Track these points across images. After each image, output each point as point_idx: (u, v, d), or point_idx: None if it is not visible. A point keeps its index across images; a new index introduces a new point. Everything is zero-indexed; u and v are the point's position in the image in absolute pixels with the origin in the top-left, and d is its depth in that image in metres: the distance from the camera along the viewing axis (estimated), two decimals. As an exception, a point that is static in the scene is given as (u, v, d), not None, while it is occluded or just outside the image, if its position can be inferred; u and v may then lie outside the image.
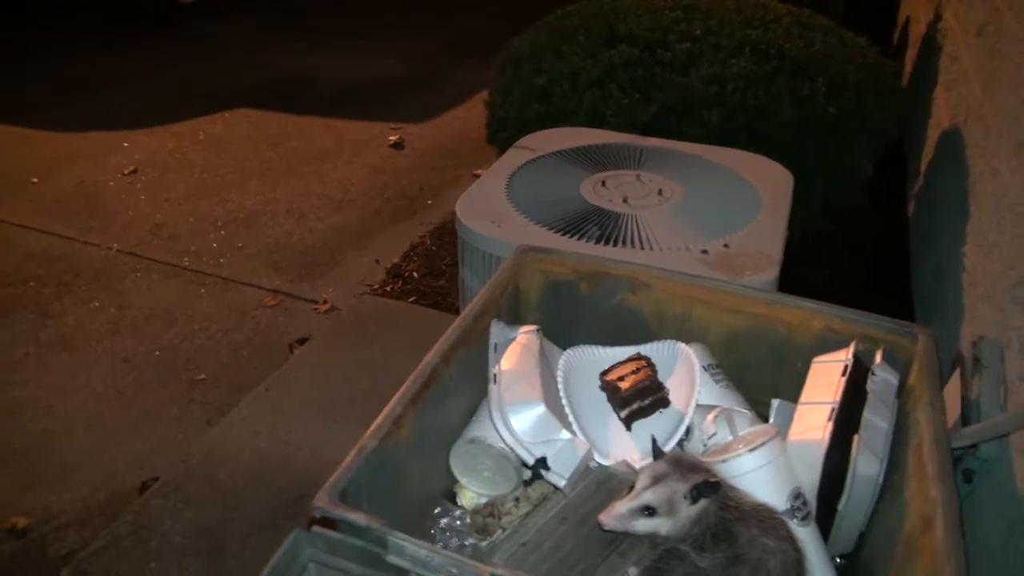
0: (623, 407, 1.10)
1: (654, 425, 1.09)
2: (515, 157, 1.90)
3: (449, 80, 4.65)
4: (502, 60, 2.85)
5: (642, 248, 1.51)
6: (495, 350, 1.12)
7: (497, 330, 1.15)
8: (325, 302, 2.62)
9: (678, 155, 1.95)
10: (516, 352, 1.11)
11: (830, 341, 1.15)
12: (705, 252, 1.46)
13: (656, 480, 0.89)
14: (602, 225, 1.58)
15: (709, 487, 0.87)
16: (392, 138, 3.87)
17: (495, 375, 1.06)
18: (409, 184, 3.48)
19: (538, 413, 1.03)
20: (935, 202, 2.51)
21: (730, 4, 2.70)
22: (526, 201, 1.67)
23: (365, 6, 6.10)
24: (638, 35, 2.52)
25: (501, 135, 2.65)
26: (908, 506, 0.90)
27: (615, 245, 1.51)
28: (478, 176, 3.60)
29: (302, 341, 2.43)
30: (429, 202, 3.31)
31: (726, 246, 1.48)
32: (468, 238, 1.59)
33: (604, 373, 1.15)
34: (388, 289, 2.68)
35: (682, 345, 1.17)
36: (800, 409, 1.04)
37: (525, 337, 1.15)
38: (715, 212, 1.66)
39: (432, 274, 2.75)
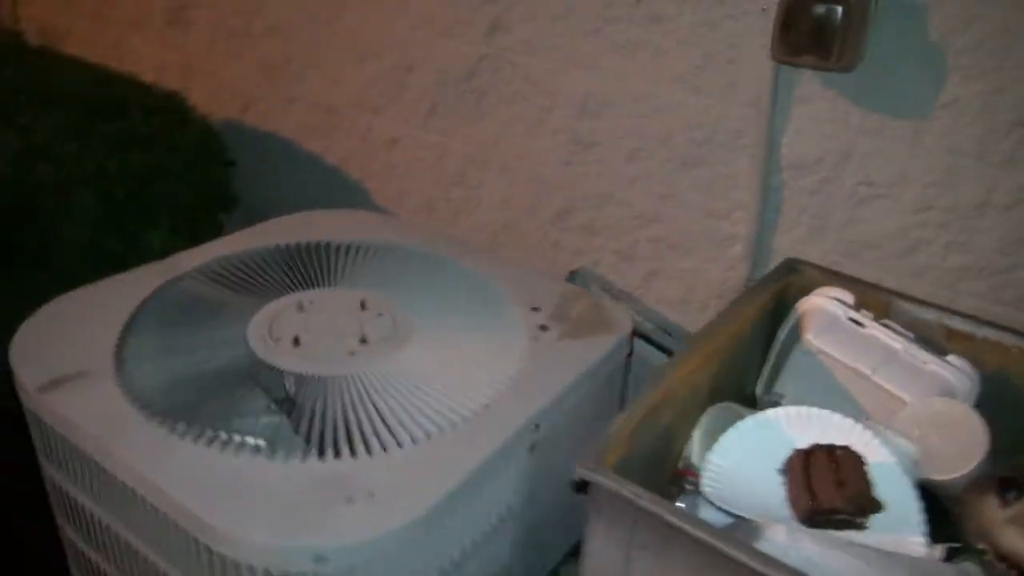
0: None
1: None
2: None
3: None
4: None
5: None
6: None
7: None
8: None
9: (274, 253, 1.26)
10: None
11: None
12: (544, 328, 1.09)
13: None
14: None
15: None
16: None
17: None
18: None
19: None
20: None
21: None
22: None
23: None
24: None
25: None
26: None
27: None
28: None
29: None
30: None
31: (535, 309, 1.13)
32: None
33: (812, 502, 0.83)
34: None
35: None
36: None
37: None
38: (447, 288, 1.21)
39: None
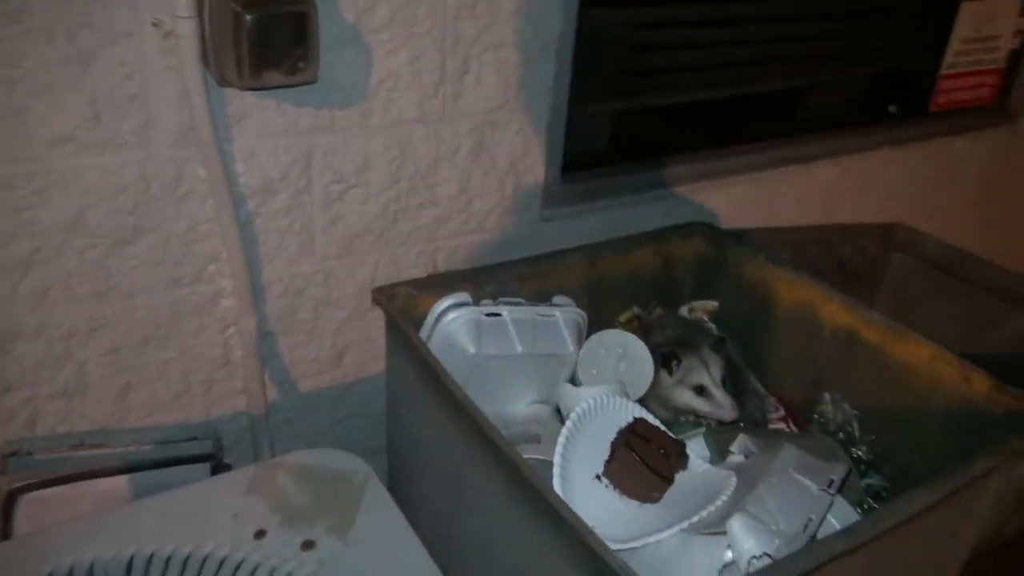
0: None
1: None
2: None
3: None
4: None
5: None
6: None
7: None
8: None
9: None
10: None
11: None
12: (311, 544, 0.66)
13: None
14: None
15: None
16: None
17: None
18: None
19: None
20: None
21: None
22: None
23: None
24: None
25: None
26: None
27: None
28: None
29: None
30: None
31: (260, 534, 0.67)
32: None
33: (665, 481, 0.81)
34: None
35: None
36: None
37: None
38: None
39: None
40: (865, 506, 1.03)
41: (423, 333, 1.08)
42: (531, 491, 0.80)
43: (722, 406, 1.11)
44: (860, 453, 1.11)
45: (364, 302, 1.36)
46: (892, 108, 2.10)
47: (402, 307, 1.10)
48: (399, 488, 1.15)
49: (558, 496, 0.78)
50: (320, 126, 1.20)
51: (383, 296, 1.10)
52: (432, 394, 0.98)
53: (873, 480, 1.08)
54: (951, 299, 1.62)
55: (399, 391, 1.15)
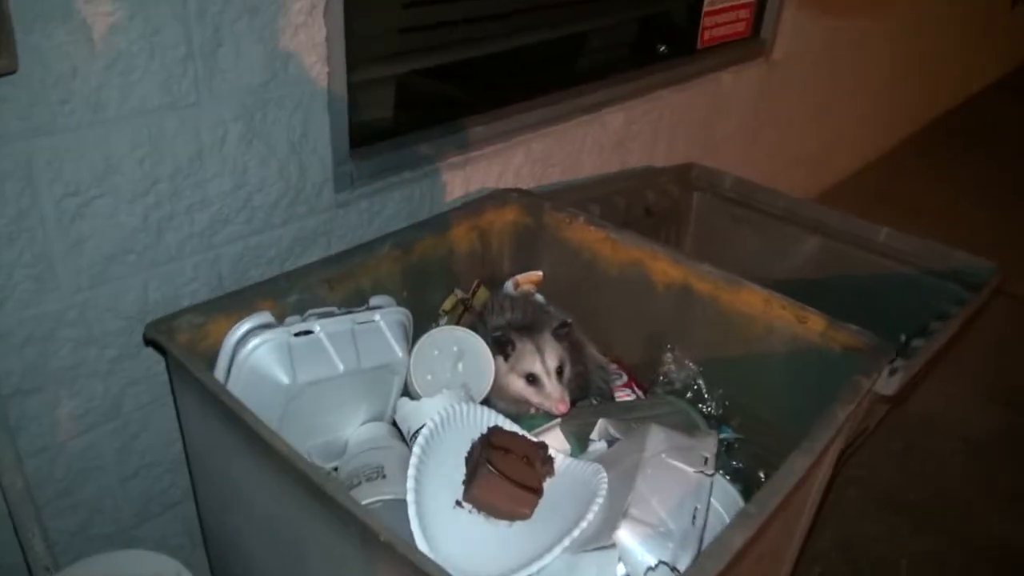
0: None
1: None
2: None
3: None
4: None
5: None
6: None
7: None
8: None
9: None
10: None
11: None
12: None
13: None
14: None
15: None
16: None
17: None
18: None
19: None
20: None
21: None
22: None
23: None
24: None
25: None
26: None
27: None
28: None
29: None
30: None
31: None
32: None
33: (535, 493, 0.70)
34: None
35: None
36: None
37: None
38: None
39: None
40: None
41: (219, 368, 0.89)
42: (388, 550, 0.67)
43: (550, 397, 1.02)
44: (710, 409, 1.09)
45: (137, 334, 1.12)
46: (663, 48, 2.13)
47: (188, 341, 0.90)
48: (220, 547, 0.97)
49: (423, 554, 0.66)
50: (37, 127, 0.94)
51: (160, 332, 0.89)
52: (246, 446, 0.80)
53: (726, 434, 1.07)
54: (748, 230, 1.67)
55: (201, 442, 0.95)
